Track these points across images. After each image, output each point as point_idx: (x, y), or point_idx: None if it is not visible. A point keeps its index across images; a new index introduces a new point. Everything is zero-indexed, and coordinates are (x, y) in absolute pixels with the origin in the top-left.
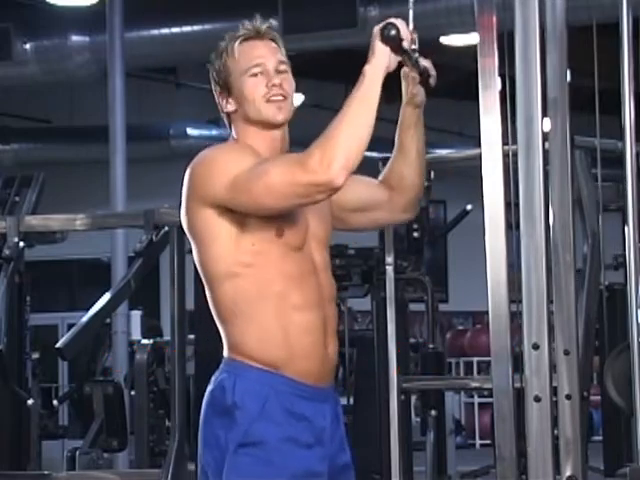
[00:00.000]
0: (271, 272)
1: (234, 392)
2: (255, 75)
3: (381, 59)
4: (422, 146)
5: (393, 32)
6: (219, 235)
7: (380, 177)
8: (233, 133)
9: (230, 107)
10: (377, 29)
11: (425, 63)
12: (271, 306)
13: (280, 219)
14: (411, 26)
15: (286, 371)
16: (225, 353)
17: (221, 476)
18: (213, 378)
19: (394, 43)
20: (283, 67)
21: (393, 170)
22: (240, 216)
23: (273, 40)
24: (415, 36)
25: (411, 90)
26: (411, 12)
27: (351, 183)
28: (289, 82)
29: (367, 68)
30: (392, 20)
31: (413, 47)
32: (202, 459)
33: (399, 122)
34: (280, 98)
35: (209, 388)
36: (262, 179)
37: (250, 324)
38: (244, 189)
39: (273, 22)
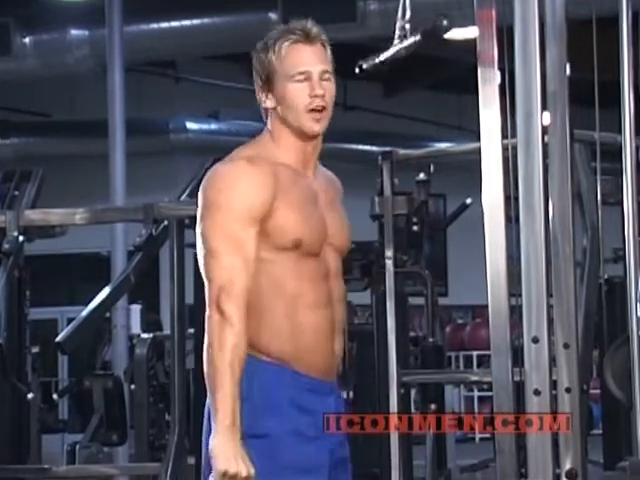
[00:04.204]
0: (286, 273)
1: (244, 385)
2: (300, 81)
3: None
4: None
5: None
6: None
7: None
8: (269, 125)
9: (269, 103)
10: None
11: None
12: (283, 304)
13: (300, 231)
14: (408, 15)
15: (293, 365)
16: None
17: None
18: None
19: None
20: (327, 75)
21: None
22: (261, 227)
23: (322, 45)
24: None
25: None
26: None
27: None
28: (331, 92)
29: (222, 428)
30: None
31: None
32: (206, 450)
33: None
34: (320, 109)
35: None
36: (210, 263)
37: (261, 320)
38: (204, 239)
39: (272, 16)
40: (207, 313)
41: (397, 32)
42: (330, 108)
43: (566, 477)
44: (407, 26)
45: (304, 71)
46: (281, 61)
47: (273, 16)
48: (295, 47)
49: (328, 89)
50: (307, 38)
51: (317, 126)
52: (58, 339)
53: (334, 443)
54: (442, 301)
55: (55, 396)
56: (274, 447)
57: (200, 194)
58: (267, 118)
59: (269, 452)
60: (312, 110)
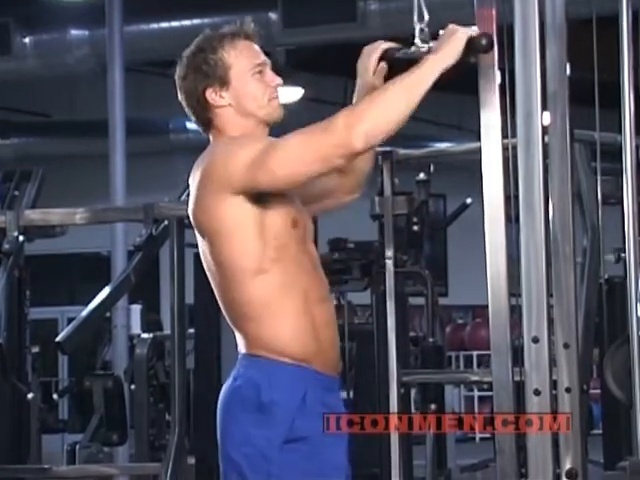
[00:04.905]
0: (293, 267)
1: (271, 389)
2: (259, 73)
3: (452, 54)
4: None
5: (484, 42)
6: (244, 229)
7: None
8: (220, 127)
9: (223, 101)
10: (468, 34)
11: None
12: (297, 301)
13: (293, 210)
14: (426, 17)
15: (315, 364)
16: (247, 349)
17: (258, 473)
18: (236, 374)
19: (472, 53)
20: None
21: None
22: (260, 209)
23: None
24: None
25: (381, 76)
26: (422, 2)
27: None
28: None
29: (432, 57)
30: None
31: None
32: (229, 457)
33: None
34: (279, 97)
35: (234, 384)
36: (277, 149)
37: (280, 320)
38: (261, 164)
39: (273, 16)
40: (345, 140)
41: (417, 36)
42: None
43: (566, 477)
44: (426, 29)
45: (261, 63)
46: (237, 57)
47: (273, 16)
48: (246, 43)
49: None
50: (253, 35)
51: (281, 113)
52: (58, 339)
53: (345, 437)
54: (442, 301)
55: (55, 396)
56: (313, 448)
57: (201, 175)
58: (213, 122)
59: (310, 454)
60: (274, 98)
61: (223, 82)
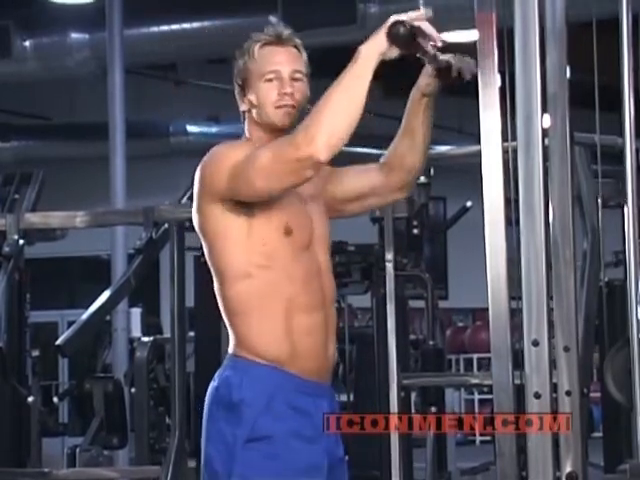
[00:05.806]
0: (281, 274)
1: (241, 388)
2: (270, 80)
3: (378, 42)
4: (428, 132)
5: (401, 30)
6: (230, 234)
7: (382, 159)
8: (245, 131)
9: (244, 106)
10: (388, 24)
11: (451, 60)
12: (279, 307)
13: (287, 218)
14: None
15: (289, 368)
16: (230, 349)
17: (227, 469)
18: (217, 374)
19: (400, 41)
20: (298, 75)
21: (396, 150)
22: (248, 214)
23: (295, 47)
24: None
25: (424, 79)
26: (422, 8)
27: (348, 174)
28: (302, 92)
29: (362, 48)
30: (402, 18)
31: (432, 43)
32: (205, 452)
33: (408, 104)
34: (290, 107)
35: (213, 384)
36: (254, 162)
37: (257, 323)
38: (240, 175)
39: (272, 18)
40: (299, 153)
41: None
42: (300, 107)
43: None
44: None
45: (274, 70)
46: (254, 62)
47: (273, 19)
48: (267, 49)
49: (298, 88)
50: (279, 40)
51: (287, 120)
52: (58, 342)
53: (330, 443)
54: (442, 304)
55: (55, 399)
56: (276, 449)
57: (197, 177)
58: (244, 123)
59: (271, 454)
60: (280, 107)
61: (244, 88)
